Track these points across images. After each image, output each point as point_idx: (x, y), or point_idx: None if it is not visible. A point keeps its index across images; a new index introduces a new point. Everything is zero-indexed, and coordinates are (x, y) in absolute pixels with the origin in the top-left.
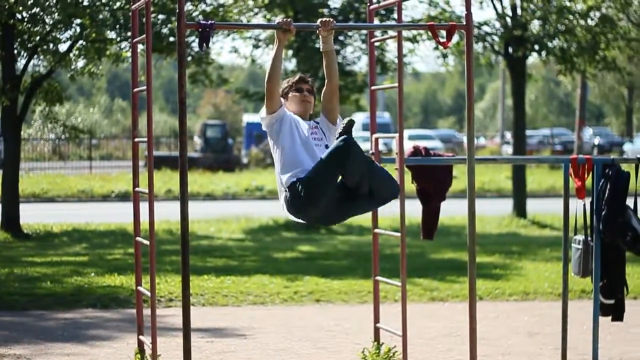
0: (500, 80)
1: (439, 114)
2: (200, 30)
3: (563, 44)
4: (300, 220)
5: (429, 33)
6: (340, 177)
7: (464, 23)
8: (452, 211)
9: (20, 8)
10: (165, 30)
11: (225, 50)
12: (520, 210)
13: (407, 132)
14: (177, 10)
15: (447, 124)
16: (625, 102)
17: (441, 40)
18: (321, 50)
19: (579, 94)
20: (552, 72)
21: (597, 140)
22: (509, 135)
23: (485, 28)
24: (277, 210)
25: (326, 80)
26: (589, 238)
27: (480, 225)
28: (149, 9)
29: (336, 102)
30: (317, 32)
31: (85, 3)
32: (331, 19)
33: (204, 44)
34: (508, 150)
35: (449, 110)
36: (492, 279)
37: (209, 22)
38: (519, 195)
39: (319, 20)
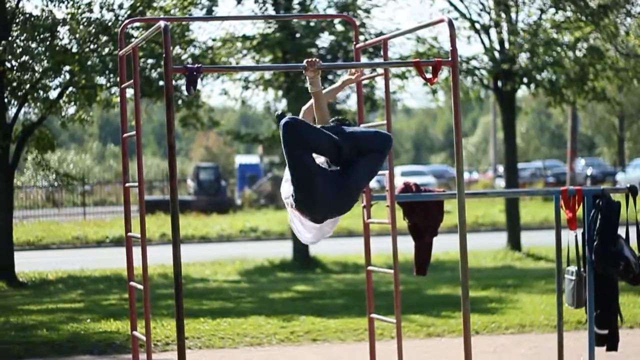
0: (491, 114)
1: (431, 149)
2: (187, 73)
3: (552, 76)
4: (316, 222)
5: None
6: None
7: (450, 59)
8: (446, 246)
9: (10, 56)
10: (154, 75)
11: (216, 92)
12: (514, 243)
13: (399, 169)
14: (164, 55)
15: (439, 159)
16: (616, 132)
17: (428, 76)
18: (309, 91)
19: (569, 126)
20: (542, 104)
21: (589, 171)
22: (501, 169)
23: (474, 62)
24: (272, 251)
25: (317, 123)
26: (582, 269)
27: (475, 259)
28: (137, 54)
29: None
30: (304, 72)
31: (74, 50)
32: (317, 59)
33: (192, 88)
34: (501, 183)
35: (441, 146)
36: (488, 313)
37: (196, 65)
38: (513, 228)
39: (305, 61)
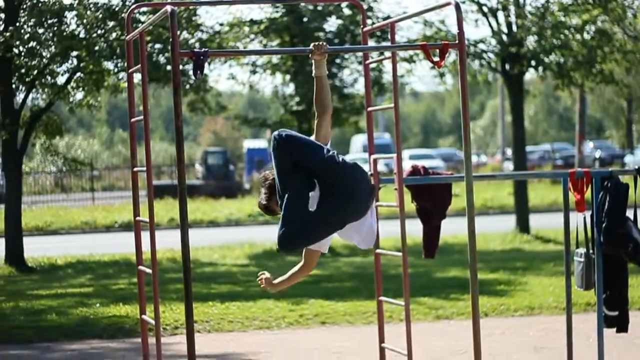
0: (499, 97)
1: (439, 133)
2: (194, 58)
3: (559, 59)
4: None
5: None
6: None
7: (457, 42)
8: (455, 229)
9: (17, 42)
10: (162, 59)
11: (223, 77)
12: (523, 226)
13: (407, 152)
14: (171, 40)
15: (447, 142)
16: (624, 115)
17: (435, 59)
18: (313, 75)
19: (578, 108)
20: (550, 87)
21: (598, 154)
22: (509, 152)
23: (481, 46)
24: None
25: (318, 112)
26: (591, 251)
27: (483, 242)
28: (143, 39)
29: (329, 133)
30: (310, 56)
31: (82, 35)
32: (324, 43)
33: (199, 72)
34: (509, 166)
35: (449, 129)
36: (497, 295)
37: (203, 49)
38: (522, 211)
39: (312, 44)
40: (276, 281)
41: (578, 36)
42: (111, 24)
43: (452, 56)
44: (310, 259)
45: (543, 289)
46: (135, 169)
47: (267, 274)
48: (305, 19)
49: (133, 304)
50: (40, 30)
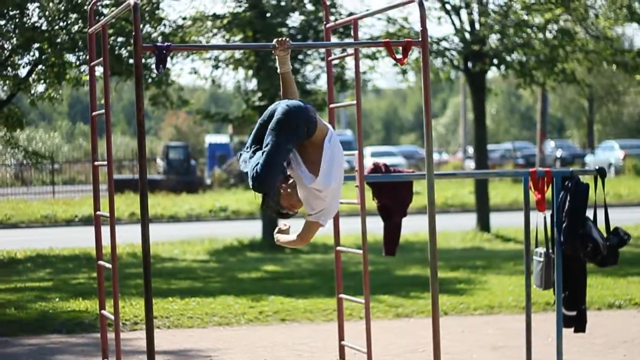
0: (461, 95)
1: (401, 130)
2: (157, 52)
3: (522, 58)
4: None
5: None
6: None
7: (420, 39)
8: (415, 227)
9: None
10: (124, 53)
11: (186, 71)
12: (483, 224)
13: (369, 149)
14: (134, 33)
15: (409, 140)
16: (586, 114)
17: (398, 57)
18: (278, 72)
19: (539, 107)
20: (512, 85)
21: (559, 153)
22: (471, 150)
23: (444, 43)
24: (242, 231)
25: None
26: (550, 250)
27: (444, 240)
28: (106, 32)
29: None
30: (273, 52)
31: (44, 27)
32: (287, 39)
33: (161, 66)
34: (471, 165)
35: (411, 127)
36: (457, 294)
37: (166, 44)
38: (482, 209)
39: (275, 40)
40: (281, 238)
41: (540, 35)
42: (73, 16)
43: (415, 53)
44: (309, 231)
45: (503, 288)
46: (96, 163)
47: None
48: (268, 15)
49: (93, 298)
50: (2, 22)
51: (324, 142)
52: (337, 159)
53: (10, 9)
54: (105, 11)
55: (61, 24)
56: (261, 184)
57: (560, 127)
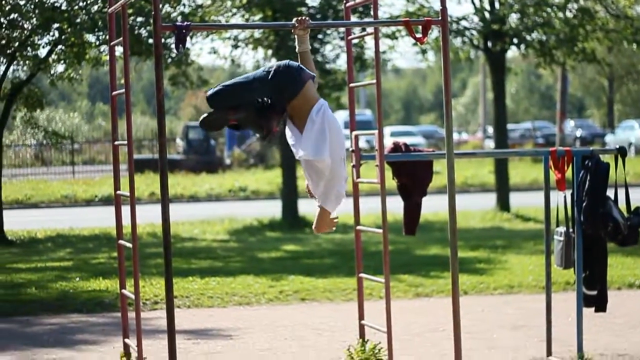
0: (481, 75)
1: (421, 110)
2: (176, 31)
3: (541, 37)
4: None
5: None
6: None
7: (440, 18)
8: (435, 207)
9: None
10: (143, 33)
11: (205, 51)
12: (503, 204)
13: (388, 129)
14: (153, 13)
15: (429, 119)
16: (606, 94)
17: (417, 36)
18: (297, 51)
19: (559, 87)
20: (532, 65)
21: (579, 133)
22: (491, 130)
23: (464, 23)
24: (261, 211)
25: None
26: (571, 230)
27: (463, 220)
28: (125, 12)
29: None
30: (292, 31)
31: (63, 7)
32: (306, 18)
33: (181, 46)
34: (490, 144)
35: (430, 106)
36: (477, 274)
37: (185, 23)
38: (502, 189)
39: (295, 19)
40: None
41: (560, 14)
42: None
43: (434, 33)
44: (320, 218)
45: (523, 268)
46: (116, 143)
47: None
48: None
49: (113, 278)
50: (22, 2)
51: (309, 113)
52: (328, 134)
53: None
54: None
55: (81, 3)
56: (212, 97)
57: (580, 107)
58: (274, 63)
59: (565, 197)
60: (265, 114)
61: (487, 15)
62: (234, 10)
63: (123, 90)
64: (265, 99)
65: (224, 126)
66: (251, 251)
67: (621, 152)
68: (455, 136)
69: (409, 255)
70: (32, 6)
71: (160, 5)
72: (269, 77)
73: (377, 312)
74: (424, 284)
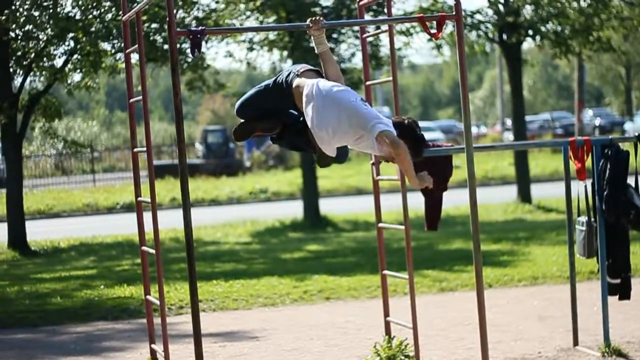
0: (498, 68)
1: (438, 105)
2: (191, 37)
3: (556, 27)
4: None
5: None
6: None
7: (454, 13)
8: (456, 201)
9: (13, 26)
10: (159, 39)
11: (221, 55)
12: (524, 196)
13: None
14: (168, 19)
15: (447, 114)
16: (623, 82)
17: (432, 31)
18: (317, 52)
19: (576, 77)
20: (548, 56)
21: (597, 122)
22: (509, 122)
23: (478, 16)
24: (283, 212)
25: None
26: (592, 219)
27: (485, 213)
28: (140, 19)
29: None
30: (308, 31)
31: (78, 17)
32: (321, 17)
33: (196, 50)
34: (509, 137)
35: (447, 101)
36: (501, 266)
37: (200, 28)
38: (523, 181)
39: (309, 20)
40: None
41: (574, 4)
42: (107, 4)
43: (449, 27)
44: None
45: (546, 259)
46: (135, 150)
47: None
48: None
49: (137, 284)
50: (36, 13)
51: (302, 96)
52: (317, 104)
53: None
54: None
55: (95, 12)
56: (237, 109)
57: (598, 96)
58: (286, 67)
59: (585, 186)
60: (301, 132)
61: (501, 7)
62: (248, 13)
63: (140, 97)
64: (296, 116)
65: (252, 135)
66: (274, 252)
67: None
68: (474, 130)
69: (432, 251)
70: (47, 17)
71: (175, 11)
72: (278, 77)
73: (402, 309)
74: (448, 278)
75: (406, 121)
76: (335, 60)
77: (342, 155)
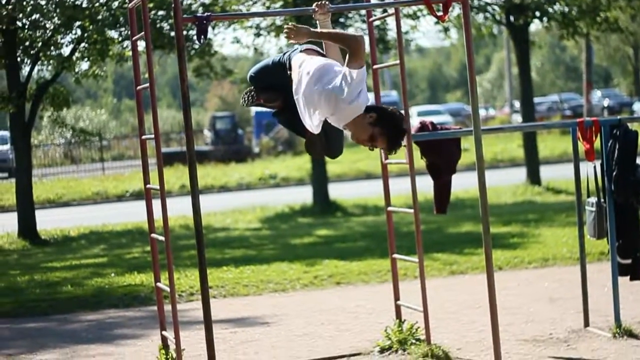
0: (505, 50)
1: (446, 88)
2: (197, 23)
3: (564, 8)
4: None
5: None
6: None
7: None
8: (465, 184)
9: (20, 15)
10: (165, 26)
11: (228, 41)
12: (534, 177)
13: (415, 109)
14: (173, 5)
15: (455, 97)
16: (631, 62)
17: (438, 14)
18: None
19: (584, 58)
20: (555, 37)
21: (606, 102)
22: (518, 104)
23: None
24: (292, 197)
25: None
26: (602, 200)
27: (495, 195)
28: (146, 6)
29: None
30: (314, 16)
31: (84, 5)
32: (326, 2)
33: (202, 37)
34: (518, 119)
35: (455, 84)
36: (511, 249)
37: (206, 14)
38: (532, 162)
39: (315, 4)
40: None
41: None
42: None
43: (456, 10)
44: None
45: (556, 240)
46: (143, 137)
47: None
48: None
49: (147, 272)
50: (43, 2)
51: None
52: (302, 75)
53: None
54: None
55: (101, 0)
56: (248, 76)
57: (607, 77)
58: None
59: (595, 167)
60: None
61: None
62: None
63: (147, 84)
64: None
65: (255, 102)
66: (284, 238)
67: None
68: (482, 112)
69: (442, 234)
70: (53, 5)
71: None
72: (278, 60)
73: (412, 292)
74: (458, 261)
75: (390, 108)
76: (338, 47)
77: (336, 148)
